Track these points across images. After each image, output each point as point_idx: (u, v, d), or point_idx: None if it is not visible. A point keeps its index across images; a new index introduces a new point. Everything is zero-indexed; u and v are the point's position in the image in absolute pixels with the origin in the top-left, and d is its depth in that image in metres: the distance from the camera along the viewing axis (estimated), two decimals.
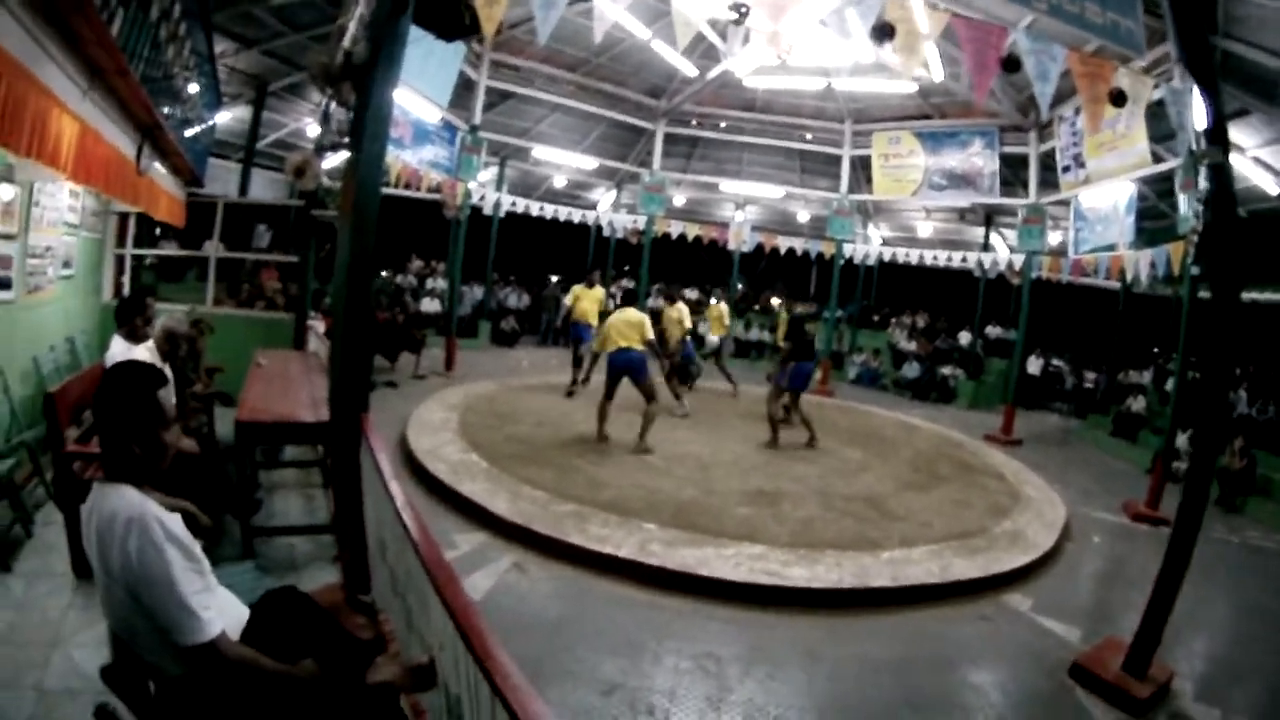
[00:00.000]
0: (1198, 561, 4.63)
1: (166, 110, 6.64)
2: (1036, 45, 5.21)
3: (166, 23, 5.83)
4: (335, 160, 8.57)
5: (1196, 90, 4.80)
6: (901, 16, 5.29)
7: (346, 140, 7.19)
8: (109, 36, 4.38)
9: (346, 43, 4.52)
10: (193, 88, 7.78)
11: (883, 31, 5.34)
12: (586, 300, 12.17)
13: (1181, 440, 9.88)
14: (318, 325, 9.33)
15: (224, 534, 4.75)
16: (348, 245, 3.90)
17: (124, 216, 9.10)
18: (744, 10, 5.92)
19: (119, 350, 5.15)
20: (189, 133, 8.13)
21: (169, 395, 2.25)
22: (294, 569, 4.81)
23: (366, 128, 3.84)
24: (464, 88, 13.64)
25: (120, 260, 9.24)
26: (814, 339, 10.02)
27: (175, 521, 2.12)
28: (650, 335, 8.61)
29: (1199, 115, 4.86)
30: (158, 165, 7.66)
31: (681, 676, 4.08)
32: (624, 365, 8.41)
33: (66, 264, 7.31)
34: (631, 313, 8.69)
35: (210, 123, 10.20)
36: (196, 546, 2.16)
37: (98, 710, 2.14)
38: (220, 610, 2.15)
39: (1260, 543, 8.64)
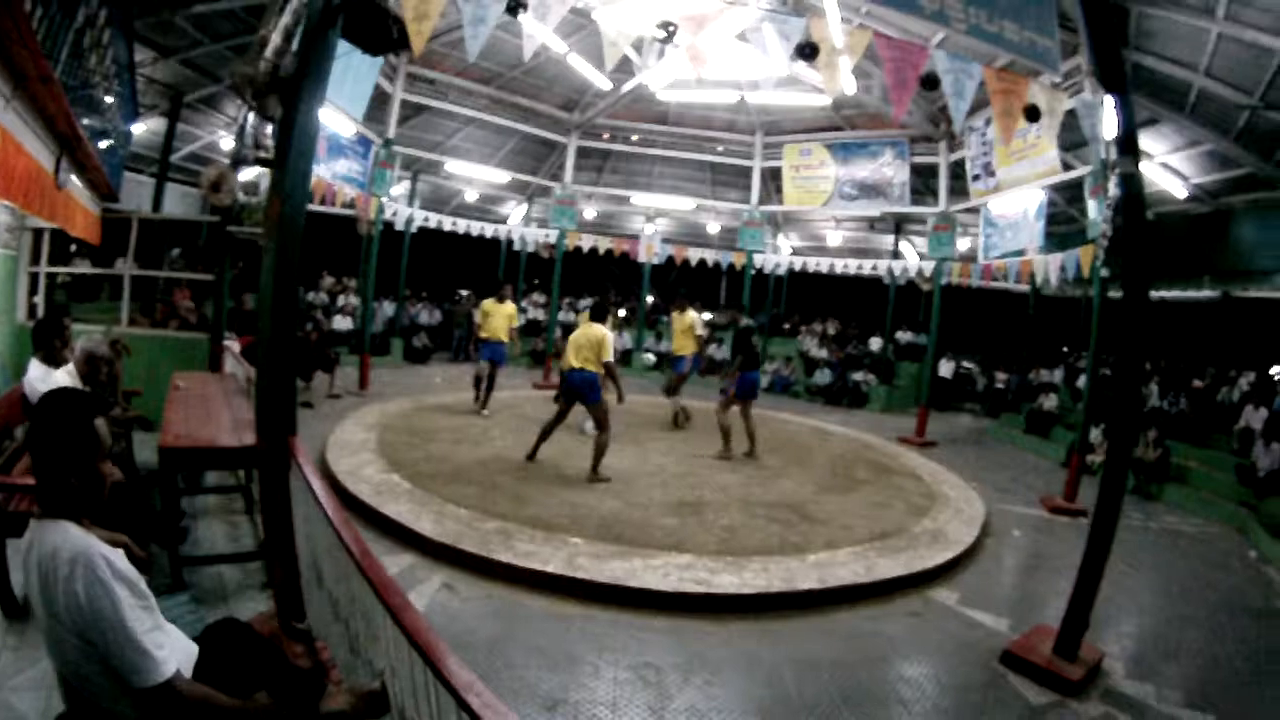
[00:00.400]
0: (1120, 548, 4.86)
1: (86, 121, 6.41)
2: (955, 63, 5.39)
3: (91, 29, 5.64)
4: (251, 174, 8.38)
5: (1108, 101, 5.03)
6: (824, 36, 5.42)
7: (263, 154, 7.05)
8: (34, 38, 4.23)
9: (270, 54, 4.43)
10: (110, 98, 7.53)
11: (806, 50, 5.47)
12: (497, 317, 11.45)
13: (1095, 434, 10.32)
14: (233, 345, 9.08)
15: (153, 564, 4.60)
16: (273, 265, 3.81)
17: (38, 232, 8.75)
18: (672, 30, 6.02)
19: (37, 375, 4.97)
20: (104, 144, 7.85)
21: (104, 424, 2.18)
22: (224, 598, 4.68)
23: (293, 144, 3.75)
24: (379, 100, 13.46)
25: (34, 279, 8.88)
26: (759, 349, 10.12)
27: (120, 558, 2.06)
28: (609, 356, 8.15)
29: (1110, 125, 5.08)
30: (75, 179, 7.39)
31: (622, 688, 4.10)
32: (575, 385, 8.12)
33: None
34: (594, 329, 8.27)
35: (127, 134, 9.87)
36: (143, 582, 2.10)
37: None
38: (172, 648, 2.09)
39: (1178, 527, 9.13)
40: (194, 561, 4.99)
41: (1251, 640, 5.75)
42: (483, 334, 11.50)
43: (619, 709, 3.90)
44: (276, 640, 2.64)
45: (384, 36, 3.88)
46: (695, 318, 11.74)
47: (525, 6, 5.39)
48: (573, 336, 8.37)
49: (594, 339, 8.16)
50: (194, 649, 2.30)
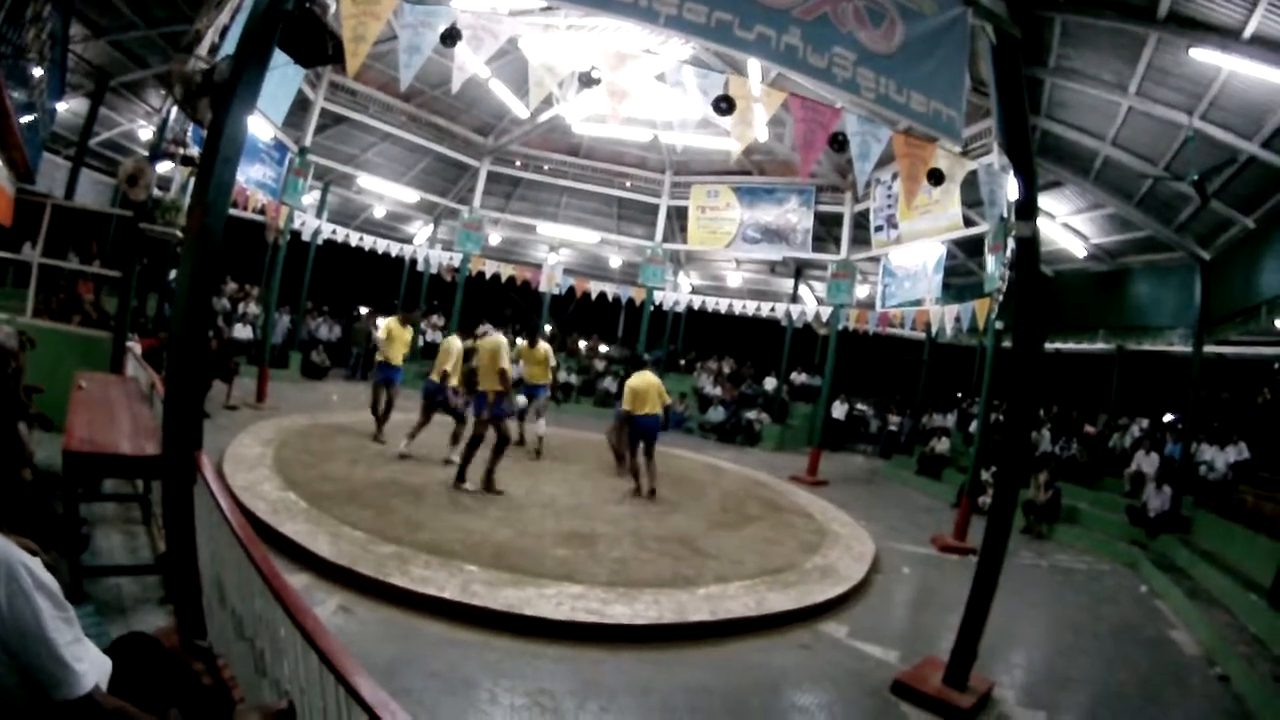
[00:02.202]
0: (1011, 584, 5.14)
1: (14, 95, 6.13)
2: (864, 127, 5.67)
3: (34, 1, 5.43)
4: (166, 169, 8.17)
5: (1011, 168, 5.36)
6: (741, 93, 5.64)
7: (184, 152, 6.91)
8: None
9: (204, 51, 4.41)
10: (38, 72, 7.19)
11: (723, 104, 5.68)
12: (400, 341, 10.73)
13: (986, 476, 10.80)
14: (135, 347, 8.80)
15: (56, 574, 4.43)
16: (190, 271, 3.78)
17: None
18: (596, 80, 6.16)
19: None
20: (26, 120, 7.50)
21: (25, 429, 2.16)
22: (122, 611, 4.51)
23: (220, 150, 3.74)
24: (299, 107, 13.28)
25: None
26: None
27: (39, 566, 2.02)
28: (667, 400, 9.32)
29: (1012, 189, 5.40)
30: None
31: (519, 713, 4.14)
32: (648, 429, 9.31)
33: None
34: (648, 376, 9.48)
35: (51, 112, 9.45)
36: (61, 592, 2.06)
37: None
38: (91, 661, 2.07)
39: (1070, 565, 9.64)
40: (94, 572, 4.79)
41: (1142, 668, 6.16)
42: (380, 356, 10.71)
43: None
44: (182, 657, 2.62)
45: (319, 50, 3.91)
46: (548, 350, 11.37)
47: (460, 37, 5.45)
48: (640, 386, 9.30)
49: (656, 386, 9.35)
50: (108, 663, 2.26)
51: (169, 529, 3.87)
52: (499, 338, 8.48)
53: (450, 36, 5.41)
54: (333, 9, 4.10)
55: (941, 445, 15.15)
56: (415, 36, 5.23)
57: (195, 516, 3.67)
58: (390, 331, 10.63)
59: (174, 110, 4.78)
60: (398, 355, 10.65)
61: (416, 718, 3.86)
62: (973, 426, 13.70)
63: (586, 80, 6.25)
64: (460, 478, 8.29)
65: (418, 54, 5.18)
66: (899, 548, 9.21)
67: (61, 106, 12.06)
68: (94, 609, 3.33)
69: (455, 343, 10.03)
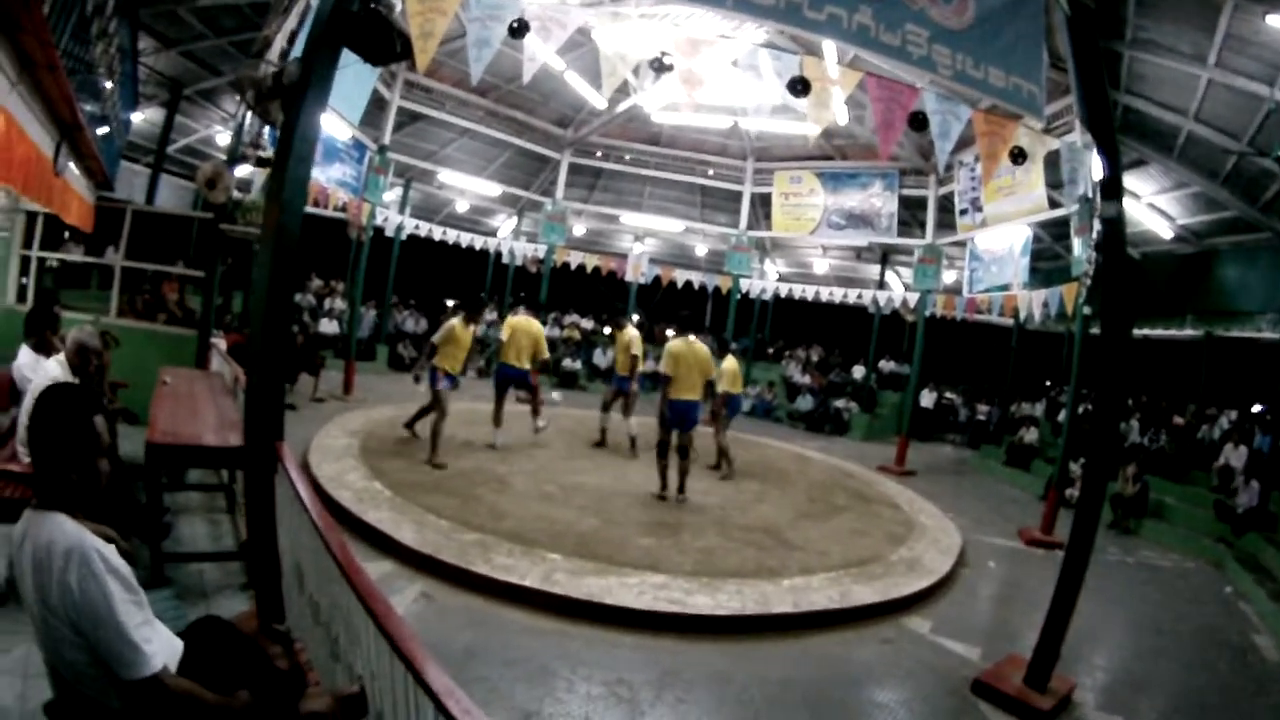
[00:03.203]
0: (1096, 581, 4.93)
1: (87, 108, 6.41)
2: (943, 105, 5.50)
3: (99, 18, 5.65)
4: (245, 171, 8.39)
5: (1094, 145, 5.14)
6: (816, 74, 5.53)
7: (260, 154, 7.10)
8: (47, 30, 4.25)
9: (273, 56, 4.49)
10: (111, 86, 7.52)
11: (798, 86, 5.57)
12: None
13: (1074, 468, 10.42)
14: (220, 343, 9.08)
15: (136, 559, 4.59)
16: (268, 268, 3.85)
17: (32, 216, 8.73)
18: (669, 65, 6.12)
19: (27, 361, 5.00)
20: (102, 132, 7.83)
21: (102, 421, 2.23)
22: (204, 596, 4.69)
23: (293, 149, 3.78)
24: (376, 106, 13.56)
25: (25, 262, 8.85)
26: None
27: (112, 552, 2.09)
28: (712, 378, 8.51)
29: (1095, 168, 5.18)
30: (72, 166, 7.37)
31: (595, 703, 4.13)
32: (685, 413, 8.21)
33: None
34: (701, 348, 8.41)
35: (125, 123, 9.85)
36: (134, 577, 2.13)
37: None
38: (161, 643, 2.13)
39: (1156, 562, 9.25)
40: (176, 558, 4.99)
41: (1224, 674, 5.87)
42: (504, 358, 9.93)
43: None
44: (257, 640, 2.66)
45: (387, 48, 3.93)
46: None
47: (528, 29, 5.46)
48: (685, 356, 8.18)
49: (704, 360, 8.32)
50: (179, 645, 2.33)
51: (250, 517, 3.95)
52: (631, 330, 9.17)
53: (518, 29, 5.44)
54: (399, 7, 4.12)
55: (1030, 435, 14.69)
56: (483, 30, 5.27)
57: (276, 505, 3.73)
58: (512, 328, 9.92)
59: (249, 114, 4.89)
60: (523, 353, 9.80)
61: (491, 705, 3.95)
62: (1061, 416, 13.28)
63: (659, 66, 6.22)
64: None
65: (487, 47, 5.21)
66: (986, 540, 8.97)
67: (137, 117, 12.52)
68: (173, 594, 3.43)
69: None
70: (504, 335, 9.89)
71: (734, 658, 4.94)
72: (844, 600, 5.91)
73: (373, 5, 3.75)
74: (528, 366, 9.78)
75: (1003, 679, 4.84)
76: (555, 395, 9.48)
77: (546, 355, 10.11)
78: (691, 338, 8.35)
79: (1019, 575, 7.89)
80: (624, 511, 7.54)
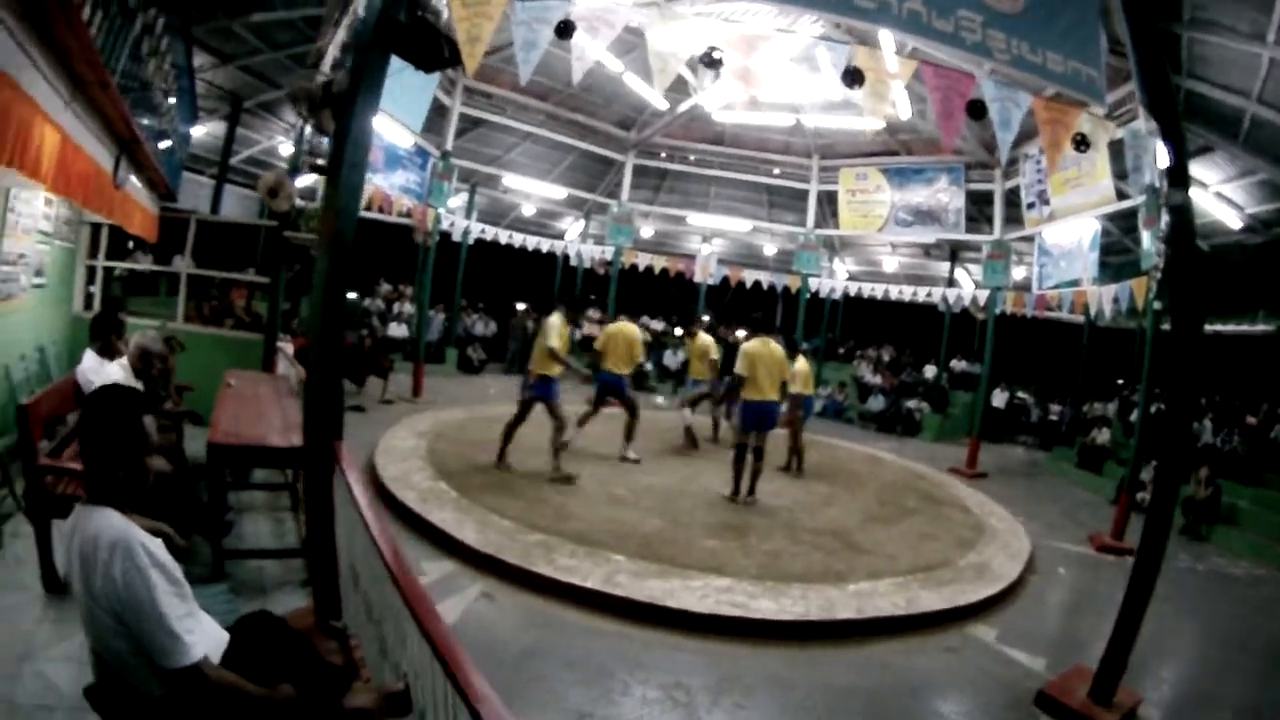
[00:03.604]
0: (1165, 589, 4.73)
1: (145, 122, 6.61)
2: (1001, 92, 5.36)
3: (149, 36, 5.83)
4: (309, 180, 8.56)
5: (1158, 131, 4.94)
6: (870, 65, 5.43)
7: (318, 162, 7.24)
8: (94, 49, 4.39)
9: (326, 68, 4.56)
10: (170, 101, 7.75)
11: (852, 77, 5.48)
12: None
13: (1146, 471, 10.07)
14: (287, 347, 9.27)
15: (194, 554, 4.71)
16: (324, 272, 3.91)
17: (96, 227, 9.00)
18: (719, 60, 6.06)
19: (91, 365, 5.15)
20: (163, 145, 8.07)
21: (151, 421, 2.27)
22: (263, 592, 4.78)
23: (346, 156, 3.83)
24: (437, 113, 13.73)
25: (91, 271, 9.14)
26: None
27: (158, 546, 2.16)
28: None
29: (1161, 155, 4.99)
30: (133, 179, 7.61)
31: (650, 706, 4.10)
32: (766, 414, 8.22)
33: (39, 273, 7.23)
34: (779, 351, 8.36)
35: (185, 136, 10.14)
36: (179, 570, 2.20)
37: None
38: (203, 634, 2.18)
39: (1227, 570, 8.86)
40: (236, 554, 5.11)
41: None
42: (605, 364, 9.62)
43: None
44: (310, 636, 2.69)
45: (435, 54, 3.96)
46: (709, 342, 10.88)
47: (573, 30, 5.46)
48: (762, 356, 8.11)
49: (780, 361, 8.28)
50: (225, 637, 2.40)
51: (309, 515, 4.01)
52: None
53: (564, 29, 5.44)
54: (445, 15, 4.14)
55: (1102, 436, 14.24)
56: (530, 33, 5.30)
57: (334, 503, 3.77)
58: (610, 335, 9.63)
59: (308, 125, 5.00)
60: (620, 360, 9.49)
61: (546, 706, 3.94)
62: (1133, 416, 12.84)
63: (709, 62, 6.16)
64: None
65: (534, 49, 5.24)
66: (1056, 546, 8.70)
67: (199, 130, 12.85)
68: (227, 588, 3.51)
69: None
70: (599, 341, 9.62)
71: (796, 664, 4.86)
72: (909, 607, 5.77)
73: (419, 13, 3.78)
74: (626, 373, 9.48)
75: (1067, 691, 4.67)
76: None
77: (641, 360, 9.95)
78: (767, 338, 8.32)
79: (1089, 582, 7.63)
80: (691, 513, 7.49)
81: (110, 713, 2.20)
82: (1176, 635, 6.40)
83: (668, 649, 4.83)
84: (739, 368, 8.13)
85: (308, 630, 2.79)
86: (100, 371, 5.04)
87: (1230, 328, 15.49)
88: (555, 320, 8.22)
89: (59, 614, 3.99)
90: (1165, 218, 5.42)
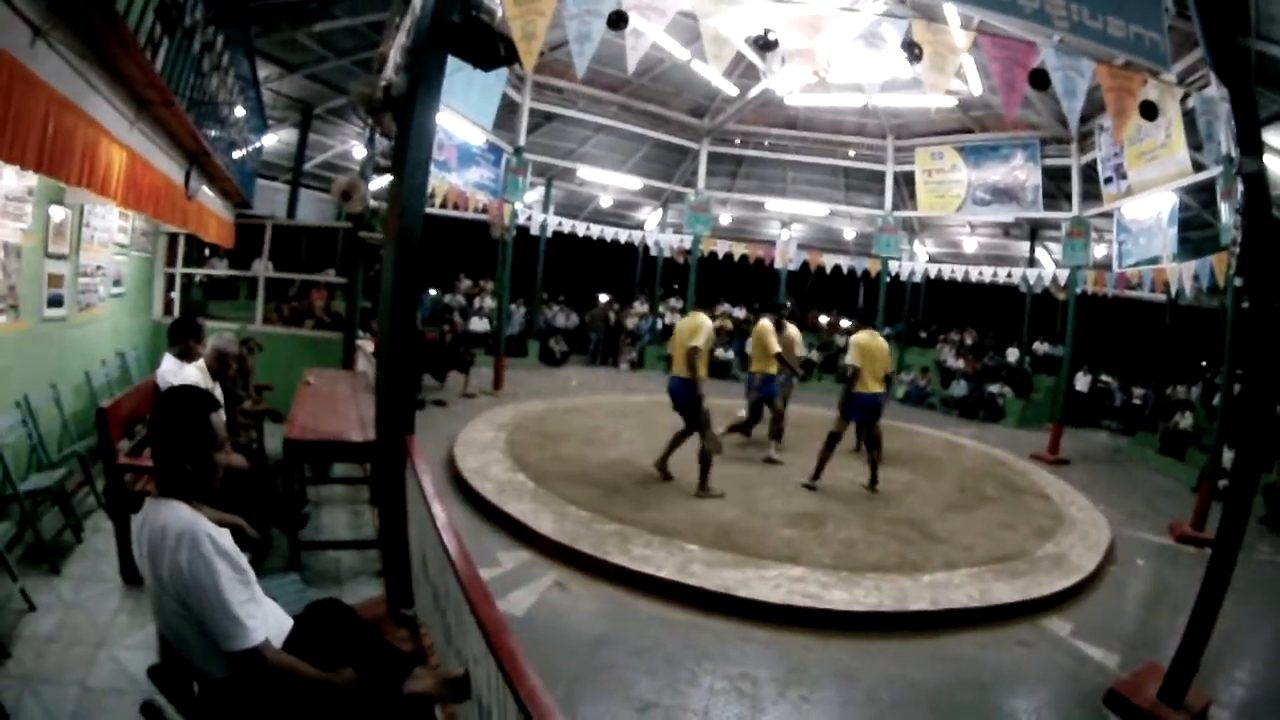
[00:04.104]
0: (1243, 583, 4.54)
1: (213, 134, 6.85)
2: (1063, 61, 5.22)
3: (210, 53, 6.05)
4: (382, 182, 8.75)
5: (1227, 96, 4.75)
6: (928, 38, 5.34)
7: (384, 162, 7.42)
8: (153, 72, 4.58)
9: (389, 71, 4.66)
10: (238, 112, 8.00)
11: (911, 50, 5.40)
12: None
13: (1229, 458, 9.66)
14: (366, 345, 9.50)
15: (271, 547, 4.89)
16: (392, 270, 4.02)
17: (173, 236, 9.36)
18: (773, 41, 6.00)
19: (170, 368, 5.35)
20: (236, 155, 8.35)
21: (220, 418, 2.38)
22: (338, 582, 4.94)
23: (408, 156, 3.95)
24: (508, 110, 13.89)
25: (170, 278, 9.51)
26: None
27: (224, 536, 2.28)
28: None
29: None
30: (205, 189, 7.89)
31: (716, 697, 4.11)
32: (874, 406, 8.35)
33: (117, 282, 7.58)
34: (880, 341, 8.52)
35: (257, 146, 10.46)
36: (243, 559, 2.31)
37: (144, 706, 2.28)
38: (265, 619, 2.29)
39: None
40: (312, 546, 5.30)
41: None
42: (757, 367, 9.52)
43: (709, 717, 3.93)
44: (380, 624, 2.78)
45: (491, 53, 4.03)
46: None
47: (626, 21, 5.48)
48: (870, 348, 8.23)
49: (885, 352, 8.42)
50: (288, 623, 2.51)
51: (382, 507, 4.14)
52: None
53: (616, 21, 5.46)
54: (500, 14, 4.20)
55: (1185, 421, 13.72)
56: (583, 26, 5.35)
57: (406, 496, 3.88)
58: (761, 333, 9.57)
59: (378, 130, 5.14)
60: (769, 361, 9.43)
61: (613, 694, 3.99)
62: (1217, 400, 12.34)
63: (764, 44, 6.11)
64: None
65: (589, 42, 5.27)
66: (1136, 536, 8.40)
67: (271, 139, 13.23)
68: (299, 578, 3.63)
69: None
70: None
71: (865, 656, 4.82)
72: (983, 599, 5.67)
73: (473, 13, 3.84)
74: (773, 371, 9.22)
75: (1137, 691, 4.51)
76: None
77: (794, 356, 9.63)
78: (874, 331, 8.51)
79: (1167, 575, 7.34)
80: (768, 502, 7.48)
81: (173, 692, 2.33)
82: (1253, 633, 6.07)
83: (737, 640, 4.84)
84: (850, 358, 8.28)
85: (379, 619, 2.89)
86: (178, 374, 5.24)
87: None
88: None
89: (135, 604, 4.20)
90: (1241, 188, 5.19)
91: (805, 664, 4.61)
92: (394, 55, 4.71)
